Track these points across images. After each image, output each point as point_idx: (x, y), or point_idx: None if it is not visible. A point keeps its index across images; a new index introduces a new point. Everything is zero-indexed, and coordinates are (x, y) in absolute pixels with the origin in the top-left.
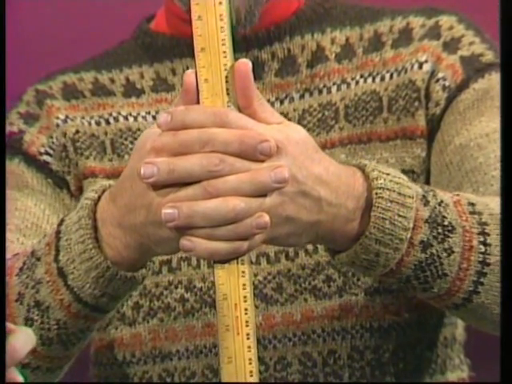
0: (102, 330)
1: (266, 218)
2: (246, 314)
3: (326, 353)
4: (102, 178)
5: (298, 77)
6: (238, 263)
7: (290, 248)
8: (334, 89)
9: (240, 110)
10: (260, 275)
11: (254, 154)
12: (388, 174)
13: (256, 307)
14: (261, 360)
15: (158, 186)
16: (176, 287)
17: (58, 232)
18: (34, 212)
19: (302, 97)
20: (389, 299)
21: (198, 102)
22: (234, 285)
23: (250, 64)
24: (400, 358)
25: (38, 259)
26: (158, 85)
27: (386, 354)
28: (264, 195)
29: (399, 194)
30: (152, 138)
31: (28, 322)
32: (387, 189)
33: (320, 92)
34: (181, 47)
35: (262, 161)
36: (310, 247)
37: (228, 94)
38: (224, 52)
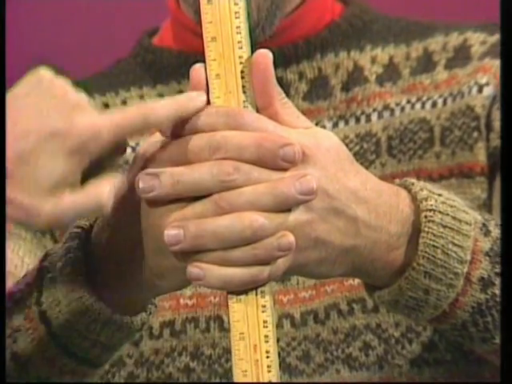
0: None
1: (291, 237)
2: (267, 357)
3: None
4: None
5: (330, 101)
6: (257, 294)
7: (319, 309)
8: (374, 116)
9: (258, 111)
10: (283, 341)
11: (275, 161)
12: (440, 195)
13: None
14: None
15: (160, 203)
16: (180, 354)
17: (40, 269)
18: (10, 259)
19: (335, 125)
20: (440, 372)
21: (208, 102)
22: (253, 321)
23: (270, 55)
24: None
25: (16, 303)
26: None
27: None
28: (288, 211)
29: (454, 218)
30: (153, 146)
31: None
32: (439, 211)
33: (357, 120)
34: (190, 65)
35: (285, 170)
36: (343, 308)
37: (244, 91)
38: (239, 42)
